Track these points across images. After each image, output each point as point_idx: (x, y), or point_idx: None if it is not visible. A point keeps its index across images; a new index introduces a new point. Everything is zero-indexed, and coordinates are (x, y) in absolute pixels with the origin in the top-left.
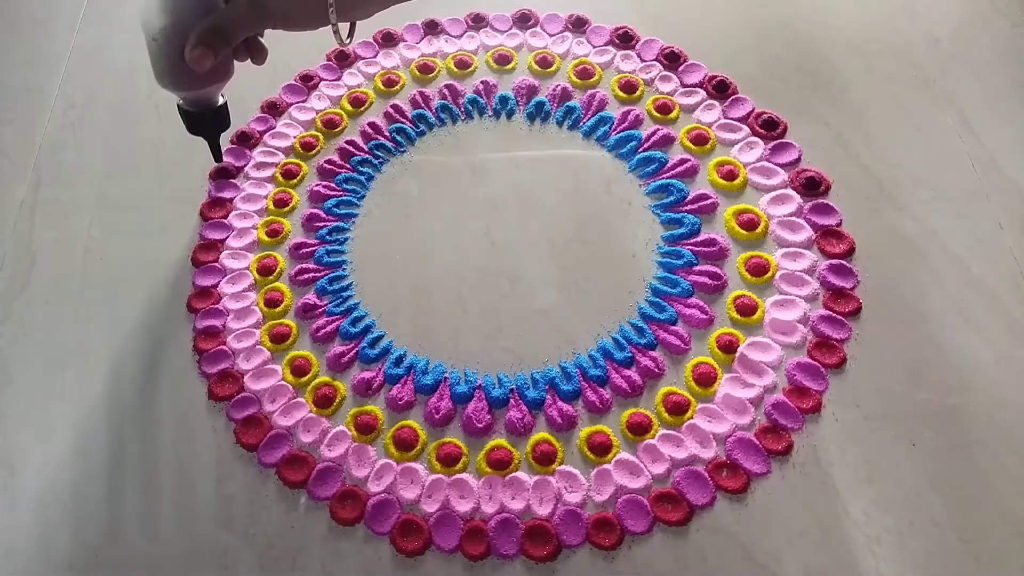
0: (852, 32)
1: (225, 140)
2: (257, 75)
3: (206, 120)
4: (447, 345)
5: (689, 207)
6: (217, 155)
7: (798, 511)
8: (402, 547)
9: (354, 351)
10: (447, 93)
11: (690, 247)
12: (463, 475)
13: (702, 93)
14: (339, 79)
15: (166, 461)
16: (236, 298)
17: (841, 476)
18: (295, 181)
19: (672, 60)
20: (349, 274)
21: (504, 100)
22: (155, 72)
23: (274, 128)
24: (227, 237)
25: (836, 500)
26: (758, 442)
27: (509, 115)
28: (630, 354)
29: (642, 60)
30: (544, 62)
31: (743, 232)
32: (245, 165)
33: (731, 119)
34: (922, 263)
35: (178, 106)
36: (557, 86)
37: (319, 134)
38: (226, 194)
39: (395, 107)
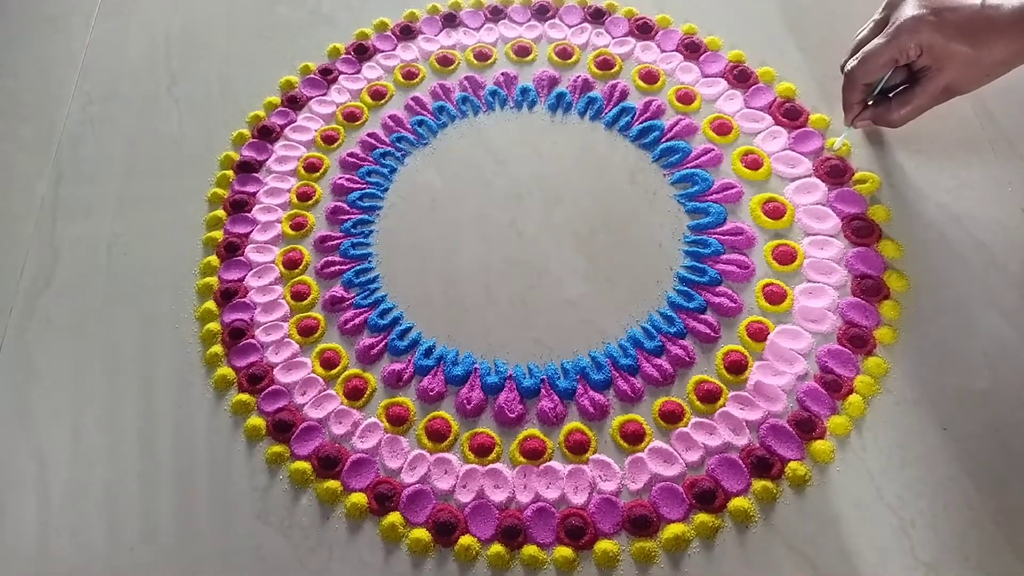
0: None
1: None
2: (276, 67)
3: None
4: (476, 336)
5: (714, 196)
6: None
7: (833, 496)
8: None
9: (383, 343)
10: (467, 85)
11: (716, 236)
12: (497, 465)
13: (724, 83)
14: (358, 72)
15: (199, 455)
16: (263, 291)
17: (874, 461)
18: (318, 175)
19: (692, 50)
20: (375, 266)
21: (525, 91)
22: None
23: (295, 122)
24: (252, 231)
25: (870, 485)
26: (791, 429)
27: (531, 106)
28: (660, 343)
29: (662, 50)
30: (564, 53)
31: (769, 221)
32: (267, 159)
33: (753, 108)
34: (947, 250)
35: None
36: (578, 77)
37: (340, 127)
38: (249, 188)
39: (416, 99)
